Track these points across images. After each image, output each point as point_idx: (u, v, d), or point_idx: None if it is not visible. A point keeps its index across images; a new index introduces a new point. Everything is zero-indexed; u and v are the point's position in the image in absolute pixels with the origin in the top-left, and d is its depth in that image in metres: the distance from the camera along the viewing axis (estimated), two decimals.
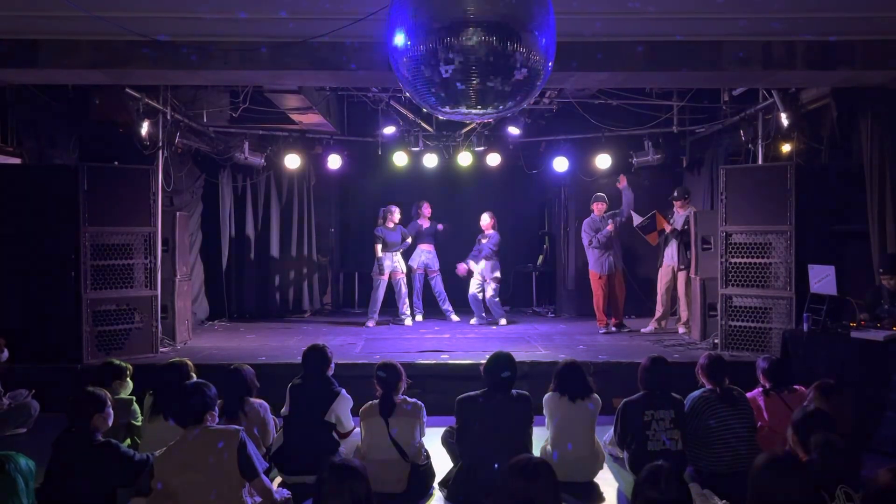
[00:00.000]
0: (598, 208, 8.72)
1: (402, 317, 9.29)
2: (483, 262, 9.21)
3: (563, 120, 9.40)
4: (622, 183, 8.65)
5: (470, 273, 9.36)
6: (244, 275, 10.19)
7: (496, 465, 3.88)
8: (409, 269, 9.59)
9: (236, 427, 3.47)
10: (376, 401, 4.50)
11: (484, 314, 9.34)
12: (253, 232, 10.25)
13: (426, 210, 9.64)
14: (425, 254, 9.60)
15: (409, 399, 4.56)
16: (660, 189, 9.43)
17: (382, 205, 9.49)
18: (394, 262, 9.20)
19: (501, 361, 4.38)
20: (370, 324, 9.08)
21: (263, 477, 3.42)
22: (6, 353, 5.78)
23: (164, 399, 4.42)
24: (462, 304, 9.71)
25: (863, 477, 3.22)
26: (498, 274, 9.24)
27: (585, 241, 8.69)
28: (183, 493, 3.28)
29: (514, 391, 4.36)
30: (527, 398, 4.35)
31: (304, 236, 10.59)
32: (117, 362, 5.08)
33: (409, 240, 9.42)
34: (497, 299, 9.26)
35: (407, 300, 9.31)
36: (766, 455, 2.71)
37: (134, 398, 4.93)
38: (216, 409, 3.61)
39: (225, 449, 3.33)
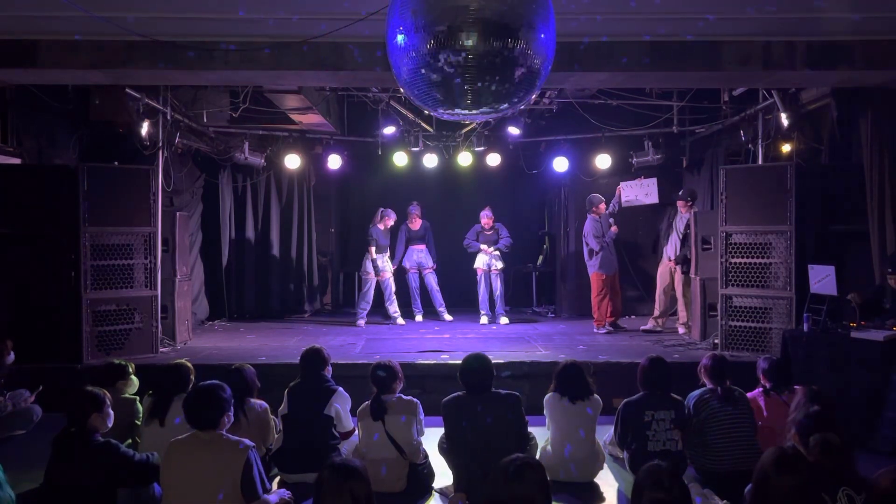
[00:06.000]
0: (603, 209, 8.74)
1: (395, 316, 9.28)
2: (495, 256, 9.32)
3: (563, 120, 9.39)
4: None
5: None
6: (244, 275, 10.18)
7: (490, 466, 3.84)
8: (403, 270, 9.60)
9: (247, 443, 3.36)
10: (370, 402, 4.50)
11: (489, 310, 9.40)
12: (253, 232, 10.25)
13: (415, 212, 9.58)
14: (417, 252, 9.61)
15: (404, 397, 4.56)
16: (659, 189, 9.41)
17: (382, 205, 9.48)
18: (384, 263, 9.22)
19: (472, 364, 4.30)
20: (361, 322, 9.10)
21: (264, 497, 3.38)
22: (12, 356, 5.78)
23: (163, 401, 4.41)
24: (457, 303, 9.70)
25: (862, 478, 3.21)
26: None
27: (595, 246, 8.61)
28: (186, 491, 3.28)
29: (502, 390, 4.31)
30: (516, 397, 4.26)
31: (304, 236, 10.58)
32: (118, 361, 5.09)
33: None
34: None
35: (395, 299, 9.28)
36: (774, 450, 2.70)
37: (138, 398, 4.91)
38: (231, 411, 3.51)
39: (231, 464, 3.27)
